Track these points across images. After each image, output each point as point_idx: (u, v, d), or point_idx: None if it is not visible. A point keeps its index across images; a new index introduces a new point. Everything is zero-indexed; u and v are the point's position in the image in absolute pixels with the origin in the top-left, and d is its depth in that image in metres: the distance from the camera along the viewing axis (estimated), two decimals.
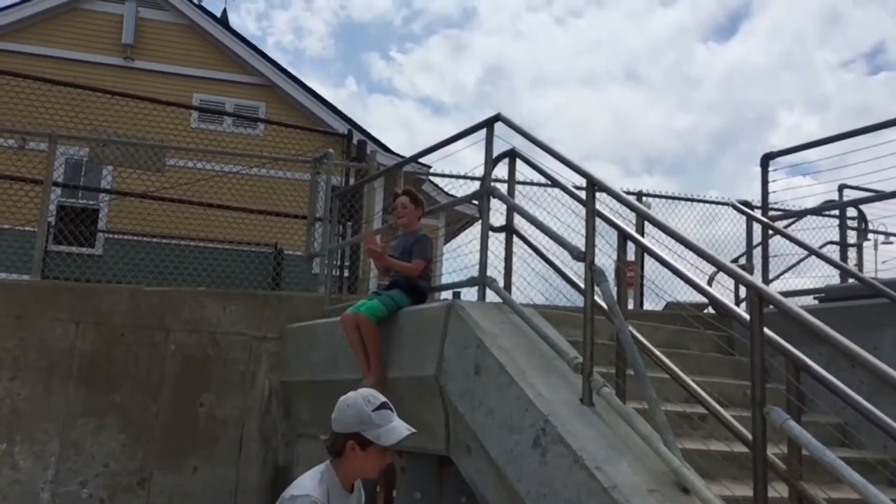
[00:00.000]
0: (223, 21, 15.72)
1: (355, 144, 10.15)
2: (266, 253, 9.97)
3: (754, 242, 7.49)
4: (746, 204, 7.91)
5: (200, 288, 7.88)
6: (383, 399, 2.91)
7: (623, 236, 4.30)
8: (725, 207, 10.93)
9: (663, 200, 11.26)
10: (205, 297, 7.18)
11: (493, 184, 5.37)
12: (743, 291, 6.45)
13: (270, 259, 9.82)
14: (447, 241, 14.42)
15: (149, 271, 8.73)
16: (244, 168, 9.64)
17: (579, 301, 4.65)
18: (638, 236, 4.53)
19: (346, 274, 8.86)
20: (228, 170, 9.32)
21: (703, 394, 3.78)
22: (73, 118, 9.34)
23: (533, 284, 5.49)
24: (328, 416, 7.14)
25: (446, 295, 7.59)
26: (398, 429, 2.88)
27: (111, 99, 9.61)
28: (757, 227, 7.39)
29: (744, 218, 7.64)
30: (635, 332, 4.10)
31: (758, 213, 7.51)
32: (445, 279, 9.30)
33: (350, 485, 2.92)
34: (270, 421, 7.06)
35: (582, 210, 4.42)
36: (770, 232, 7.15)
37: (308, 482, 2.85)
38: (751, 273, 6.43)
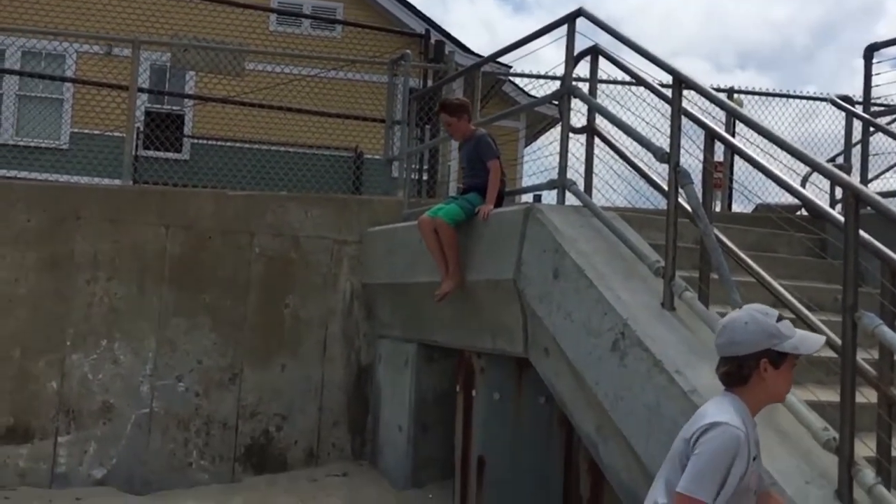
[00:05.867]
0: None
1: (433, 45, 9.94)
2: (346, 157, 10.00)
3: (854, 140, 7.12)
4: (846, 99, 7.49)
5: (282, 192, 8.00)
6: (776, 310, 2.53)
7: (711, 136, 4.12)
8: (824, 104, 10.33)
9: (756, 97, 10.72)
10: (287, 202, 7.29)
11: (574, 83, 5.19)
12: (839, 192, 6.18)
13: (350, 163, 9.86)
14: (528, 143, 14.17)
15: (233, 176, 8.89)
16: (322, 71, 9.59)
17: (663, 204, 4.52)
18: (727, 135, 4.33)
19: (424, 177, 8.84)
20: (307, 73, 9.29)
21: (791, 298, 3.66)
22: (154, 24, 9.42)
23: (614, 187, 5.34)
24: (407, 318, 7.21)
25: (526, 198, 7.50)
26: (812, 336, 2.52)
27: (191, 3, 9.63)
28: (857, 124, 7.03)
29: (843, 115, 7.25)
30: (720, 235, 3.97)
31: (859, 109, 7.10)
32: (526, 182, 9.20)
33: (754, 416, 2.51)
34: (352, 322, 7.23)
35: (667, 109, 4.24)
36: (871, 129, 6.77)
37: (720, 409, 2.40)
38: (848, 173, 6.13)
